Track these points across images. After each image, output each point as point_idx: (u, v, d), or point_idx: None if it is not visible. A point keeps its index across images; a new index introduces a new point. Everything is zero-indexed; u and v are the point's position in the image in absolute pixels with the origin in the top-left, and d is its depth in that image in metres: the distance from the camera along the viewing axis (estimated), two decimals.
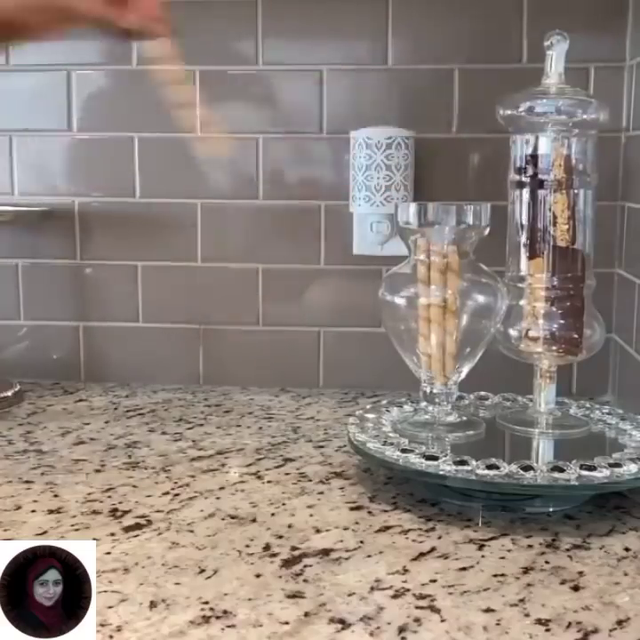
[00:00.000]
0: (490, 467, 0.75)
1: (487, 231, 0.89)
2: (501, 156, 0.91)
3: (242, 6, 1.14)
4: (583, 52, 1.05)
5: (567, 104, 0.86)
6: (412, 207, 0.88)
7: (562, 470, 0.74)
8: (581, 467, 0.74)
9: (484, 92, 0.98)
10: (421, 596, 0.62)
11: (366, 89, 1.14)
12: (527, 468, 0.74)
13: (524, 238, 0.87)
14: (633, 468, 0.75)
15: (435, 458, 0.77)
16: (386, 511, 0.77)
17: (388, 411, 0.93)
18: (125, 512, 0.77)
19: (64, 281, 1.21)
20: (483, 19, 1.11)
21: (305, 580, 0.64)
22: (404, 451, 0.79)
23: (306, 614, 0.59)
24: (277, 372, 1.19)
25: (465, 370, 0.89)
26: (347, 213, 1.14)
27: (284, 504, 0.79)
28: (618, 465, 0.75)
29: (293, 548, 0.70)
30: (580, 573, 0.66)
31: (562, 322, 0.87)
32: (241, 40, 1.15)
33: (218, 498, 0.81)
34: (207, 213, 1.18)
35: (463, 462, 0.76)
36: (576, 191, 0.86)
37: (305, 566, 0.67)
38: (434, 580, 0.64)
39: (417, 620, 0.59)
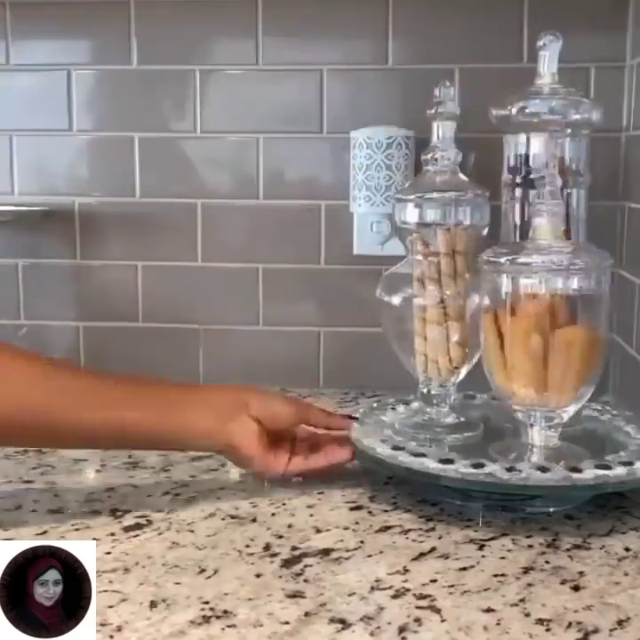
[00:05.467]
0: (477, 465, 0.75)
1: (485, 231, 0.89)
2: (501, 156, 0.91)
3: (242, 6, 1.14)
4: (583, 52, 1.05)
5: (560, 104, 0.85)
6: (410, 206, 0.88)
7: (546, 470, 0.74)
8: (570, 469, 0.74)
9: (484, 92, 0.98)
10: (422, 596, 0.62)
11: (366, 89, 1.14)
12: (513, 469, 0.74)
13: (518, 239, 0.87)
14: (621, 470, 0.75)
15: (450, 461, 0.76)
16: (386, 511, 0.77)
17: (391, 409, 0.93)
18: (125, 512, 0.77)
19: (64, 281, 1.21)
20: (483, 19, 1.11)
21: (305, 580, 0.64)
22: (398, 450, 0.79)
23: (306, 614, 0.59)
24: (277, 372, 1.19)
25: (463, 371, 0.89)
26: (347, 213, 1.14)
27: (284, 504, 0.79)
28: (608, 467, 0.75)
29: (294, 548, 0.70)
30: (581, 573, 0.66)
31: None
32: (241, 40, 1.15)
33: (218, 498, 0.81)
34: (207, 213, 1.18)
35: (480, 465, 0.75)
36: (569, 191, 0.85)
37: (305, 566, 0.67)
38: (434, 580, 0.64)
39: (417, 620, 0.59)
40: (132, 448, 0.87)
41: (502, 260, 0.77)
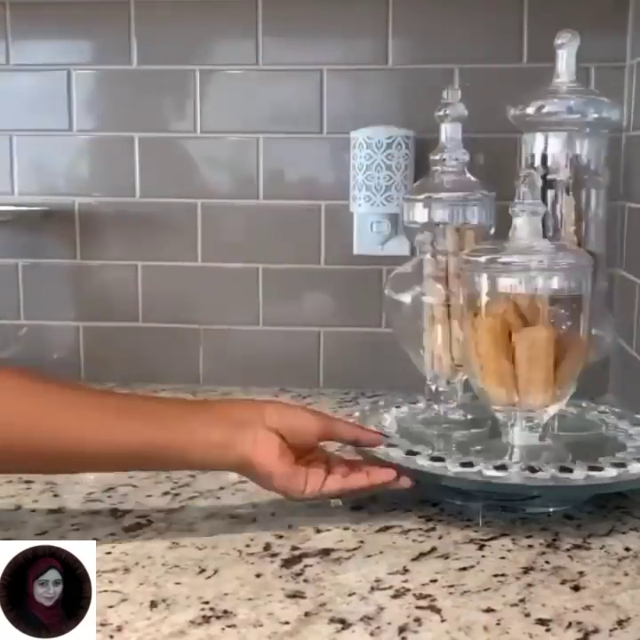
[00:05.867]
0: (497, 468, 0.74)
1: (493, 231, 0.89)
2: (501, 156, 0.92)
3: (242, 6, 1.14)
4: (583, 51, 1.04)
5: (578, 103, 0.84)
6: (418, 206, 0.88)
7: (570, 471, 0.74)
8: (589, 468, 0.74)
9: (484, 92, 0.98)
10: (422, 596, 0.62)
11: (366, 89, 1.14)
12: (533, 470, 0.74)
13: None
14: (638, 467, 0.75)
15: (440, 459, 0.76)
16: (386, 511, 0.77)
17: (391, 409, 0.93)
18: (126, 512, 0.77)
19: (64, 281, 1.21)
20: (483, 19, 1.11)
21: (305, 580, 0.64)
22: (409, 452, 0.79)
23: (306, 614, 0.59)
24: (277, 372, 1.19)
25: None
26: (347, 213, 1.14)
27: (284, 504, 0.79)
28: (623, 465, 0.75)
29: (294, 548, 0.70)
30: (581, 573, 0.66)
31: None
32: (241, 40, 1.15)
33: (218, 498, 0.81)
34: (207, 213, 1.18)
35: (468, 464, 0.75)
36: (587, 191, 0.84)
37: (305, 566, 0.67)
38: (434, 580, 0.64)
39: (417, 620, 0.59)
40: (139, 467, 0.77)
41: (480, 258, 0.78)
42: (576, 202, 0.84)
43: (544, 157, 0.85)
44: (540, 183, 0.79)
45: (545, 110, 0.84)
